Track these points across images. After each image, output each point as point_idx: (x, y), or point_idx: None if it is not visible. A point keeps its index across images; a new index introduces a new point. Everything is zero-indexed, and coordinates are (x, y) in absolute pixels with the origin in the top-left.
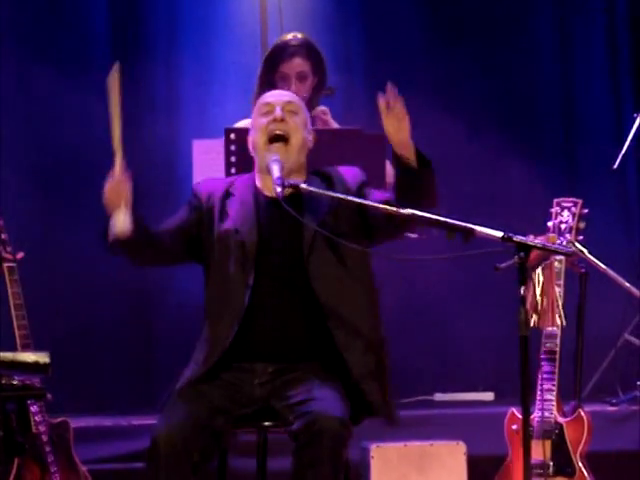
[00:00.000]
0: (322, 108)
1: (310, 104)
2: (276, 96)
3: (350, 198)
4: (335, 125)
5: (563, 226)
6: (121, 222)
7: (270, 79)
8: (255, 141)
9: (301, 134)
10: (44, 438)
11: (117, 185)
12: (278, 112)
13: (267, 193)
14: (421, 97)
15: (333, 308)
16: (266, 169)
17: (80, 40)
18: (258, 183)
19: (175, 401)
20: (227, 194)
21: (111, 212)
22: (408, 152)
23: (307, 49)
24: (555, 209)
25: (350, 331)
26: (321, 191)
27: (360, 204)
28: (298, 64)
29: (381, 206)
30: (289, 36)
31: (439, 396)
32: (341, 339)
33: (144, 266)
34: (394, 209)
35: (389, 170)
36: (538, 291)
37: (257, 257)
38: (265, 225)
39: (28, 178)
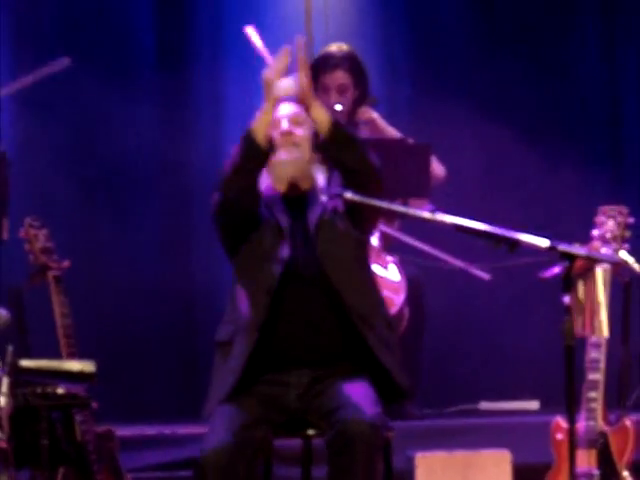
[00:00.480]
0: (368, 114)
1: (352, 116)
2: (284, 110)
3: (396, 207)
4: (386, 126)
5: (608, 235)
6: (288, 81)
7: None
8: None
9: (307, 143)
10: (89, 447)
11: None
12: (285, 126)
13: (281, 187)
14: (467, 105)
15: (355, 303)
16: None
17: (126, 50)
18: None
19: (216, 418)
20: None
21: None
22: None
23: (350, 62)
24: (600, 217)
25: (371, 326)
26: (366, 200)
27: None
28: (339, 76)
29: (421, 214)
30: (333, 47)
31: (484, 404)
32: (367, 334)
33: (242, 199)
34: (434, 217)
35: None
36: (583, 300)
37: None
38: (292, 217)
39: (74, 187)
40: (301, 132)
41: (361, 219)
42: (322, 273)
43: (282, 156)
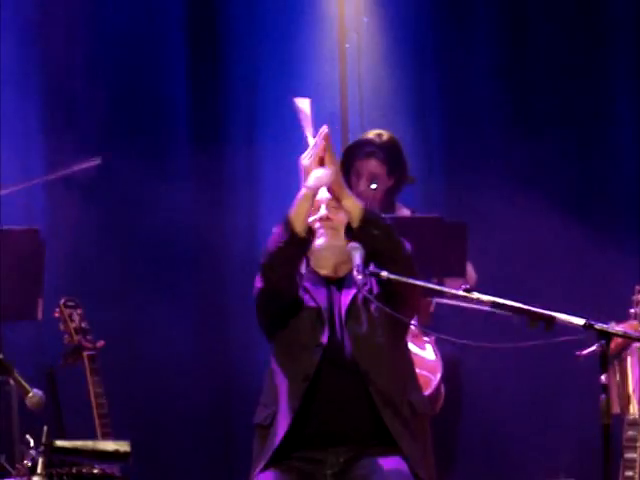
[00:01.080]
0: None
1: (388, 201)
2: (320, 194)
3: (431, 286)
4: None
5: None
6: (321, 174)
7: (344, 171)
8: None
9: (343, 225)
10: None
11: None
12: (324, 212)
13: (323, 272)
14: (505, 182)
15: (380, 388)
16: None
17: (161, 130)
18: (312, 264)
19: None
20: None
21: (308, 167)
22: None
23: (386, 152)
24: (637, 296)
25: (395, 411)
26: (403, 279)
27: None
28: (373, 166)
29: (457, 292)
30: (372, 134)
31: None
32: (389, 420)
33: (280, 285)
34: (470, 295)
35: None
36: (620, 379)
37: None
38: (331, 301)
39: (111, 267)
40: (339, 216)
41: (398, 301)
42: (351, 357)
43: (323, 242)
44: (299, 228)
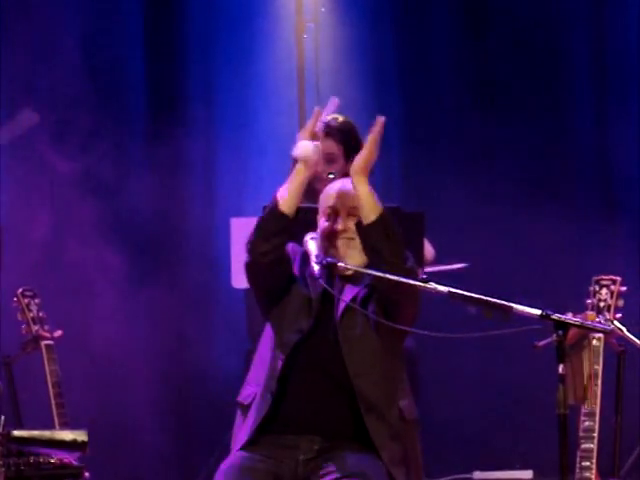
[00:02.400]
0: None
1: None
2: (341, 199)
3: (390, 277)
4: None
5: (602, 304)
6: (306, 145)
7: None
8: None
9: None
10: None
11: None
12: (342, 224)
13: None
14: (460, 172)
15: (366, 392)
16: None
17: (117, 110)
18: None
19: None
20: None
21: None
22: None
23: (343, 133)
24: (594, 287)
25: (380, 415)
26: (361, 269)
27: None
28: (329, 146)
29: (414, 282)
30: (329, 117)
31: (478, 474)
32: (372, 424)
33: (259, 257)
34: (427, 285)
35: (427, 248)
36: (576, 369)
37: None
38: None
39: (66, 255)
40: (354, 225)
41: (391, 308)
42: (339, 357)
43: (342, 252)
44: (284, 205)
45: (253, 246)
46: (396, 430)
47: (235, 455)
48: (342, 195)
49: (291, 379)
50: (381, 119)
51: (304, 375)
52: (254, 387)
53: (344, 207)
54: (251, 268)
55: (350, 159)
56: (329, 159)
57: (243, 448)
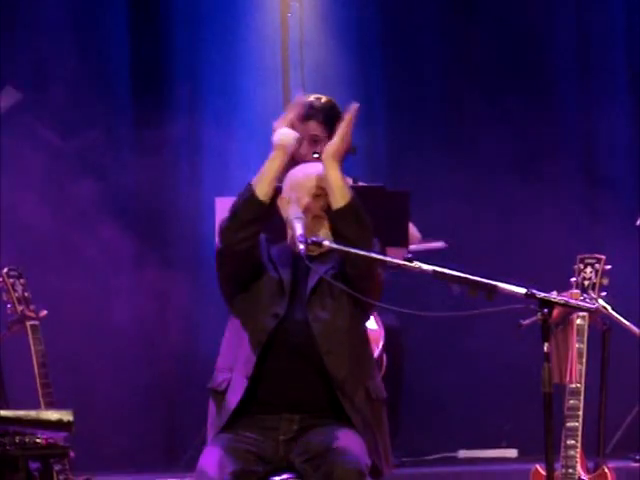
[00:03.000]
0: None
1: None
2: (306, 180)
3: (373, 255)
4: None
5: (586, 282)
6: (286, 132)
7: None
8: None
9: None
10: None
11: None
12: (307, 203)
13: (290, 244)
14: (446, 153)
15: (336, 372)
16: (288, 225)
17: (103, 91)
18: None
19: (206, 462)
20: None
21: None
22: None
23: (325, 114)
24: (578, 265)
25: (349, 393)
26: (345, 248)
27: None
28: (312, 127)
29: (400, 262)
30: (312, 97)
31: (463, 453)
32: (344, 400)
33: (238, 251)
34: (411, 265)
35: (413, 233)
36: (561, 347)
37: (290, 299)
38: (297, 276)
39: (51, 235)
40: (322, 206)
41: (357, 284)
42: (311, 337)
43: (305, 230)
44: (260, 192)
45: (228, 234)
46: (364, 410)
47: (216, 437)
48: (307, 176)
49: (267, 363)
50: (355, 106)
51: (279, 358)
52: (227, 373)
53: (309, 188)
54: (224, 255)
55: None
56: (313, 140)
57: (223, 431)
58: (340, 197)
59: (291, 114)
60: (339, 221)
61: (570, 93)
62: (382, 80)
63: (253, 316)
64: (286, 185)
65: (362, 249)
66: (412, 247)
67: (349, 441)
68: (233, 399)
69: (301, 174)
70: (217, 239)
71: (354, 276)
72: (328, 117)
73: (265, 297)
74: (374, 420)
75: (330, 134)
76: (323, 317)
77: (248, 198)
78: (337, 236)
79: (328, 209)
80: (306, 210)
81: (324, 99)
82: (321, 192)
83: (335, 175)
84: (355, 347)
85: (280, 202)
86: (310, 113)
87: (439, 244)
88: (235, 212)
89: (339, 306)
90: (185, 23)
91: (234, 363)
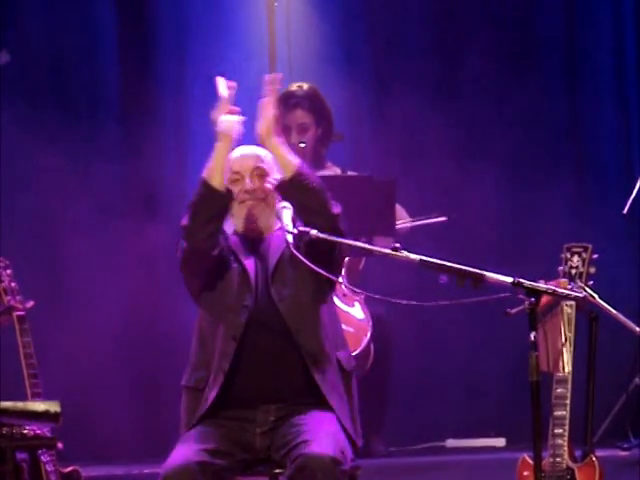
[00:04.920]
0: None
1: (319, 154)
2: (243, 161)
3: (359, 244)
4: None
5: (573, 271)
6: (226, 121)
7: None
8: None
9: (272, 194)
10: None
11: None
12: (248, 184)
13: (249, 235)
14: (432, 142)
15: (308, 347)
16: (275, 215)
17: (90, 77)
18: (234, 222)
19: (183, 441)
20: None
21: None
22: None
23: (310, 101)
24: (565, 254)
25: (323, 367)
26: (331, 238)
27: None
28: (300, 116)
29: (387, 251)
30: (294, 87)
31: (451, 442)
32: (319, 376)
33: (203, 247)
34: (398, 254)
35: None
36: (549, 336)
37: (256, 287)
38: (258, 261)
39: (37, 225)
40: (264, 185)
41: (324, 260)
42: (279, 317)
43: (250, 212)
44: (216, 183)
45: (192, 233)
46: (338, 382)
47: (190, 432)
48: (243, 158)
49: (242, 355)
50: (275, 76)
51: (254, 348)
52: (202, 371)
53: (247, 168)
54: (191, 255)
55: (320, 125)
56: (302, 129)
57: (201, 423)
58: (287, 168)
59: (225, 100)
60: (293, 192)
61: (557, 81)
62: (369, 66)
63: (223, 312)
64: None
65: (324, 213)
66: (414, 223)
67: (324, 428)
68: (210, 395)
69: (238, 154)
70: (182, 240)
71: (320, 251)
72: (312, 103)
73: (231, 290)
74: (347, 393)
75: (316, 119)
76: (287, 294)
77: (205, 192)
78: (297, 208)
79: (281, 185)
80: (247, 192)
81: (306, 86)
82: (237, 177)
83: (277, 150)
84: (321, 320)
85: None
86: (295, 102)
87: (441, 219)
88: (195, 210)
89: (302, 281)
90: (172, 13)
91: (209, 359)
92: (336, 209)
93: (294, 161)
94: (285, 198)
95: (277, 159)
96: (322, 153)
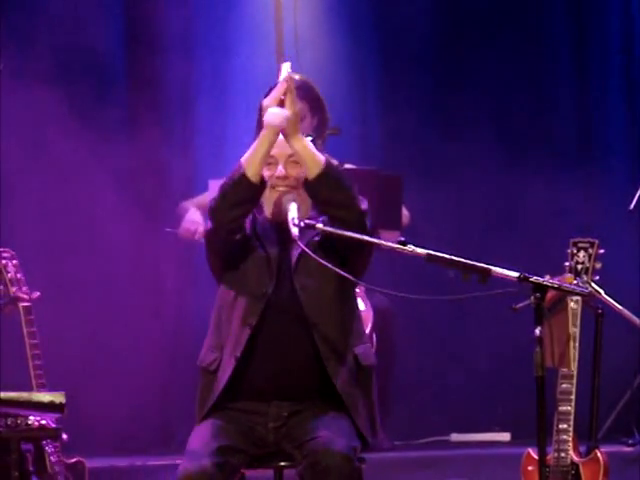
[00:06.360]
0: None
1: (315, 144)
2: (279, 148)
3: (367, 238)
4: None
5: (579, 266)
6: (277, 113)
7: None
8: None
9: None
10: (60, 478)
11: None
12: (281, 171)
13: (269, 216)
14: (439, 135)
15: (327, 339)
16: (275, 205)
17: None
18: (266, 212)
19: (194, 440)
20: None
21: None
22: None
23: (303, 90)
24: (571, 249)
25: (338, 361)
26: (339, 231)
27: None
28: None
29: (392, 245)
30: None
31: (455, 436)
32: (332, 370)
33: (231, 229)
34: (405, 248)
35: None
36: (554, 331)
37: (277, 274)
38: (282, 248)
39: (45, 216)
40: (298, 172)
41: (348, 255)
42: (300, 308)
43: (281, 199)
44: (251, 172)
45: (219, 214)
46: (355, 377)
47: (206, 418)
48: (280, 144)
49: (256, 342)
50: (289, 74)
51: (268, 338)
52: (216, 352)
53: (283, 155)
54: (214, 235)
55: (315, 114)
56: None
57: (213, 411)
58: (314, 165)
59: (280, 91)
60: (320, 189)
61: (567, 75)
62: (376, 60)
63: (241, 296)
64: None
65: (353, 209)
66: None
67: (337, 426)
68: (221, 381)
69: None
70: (208, 219)
71: (343, 247)
72: (307, 93)
73: (252, 276)
74: (363, 389)
75: (310, 108)
76: (309, 284)
77: (238, 179)
78: (322, 204)
79: (306, 182)
80: (279, 178)
81: (298, 77)
82: (272, 160)
83: (301, 146)
84: (344, 314)
85: None
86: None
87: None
88: (225, 192)
89: (325, 274)
90: (180, 5)
91: (224, 342)
92: (364, 205)
93: (321, 157)
94: (313, 195)
95: (302, 156)
96: (318, 144)
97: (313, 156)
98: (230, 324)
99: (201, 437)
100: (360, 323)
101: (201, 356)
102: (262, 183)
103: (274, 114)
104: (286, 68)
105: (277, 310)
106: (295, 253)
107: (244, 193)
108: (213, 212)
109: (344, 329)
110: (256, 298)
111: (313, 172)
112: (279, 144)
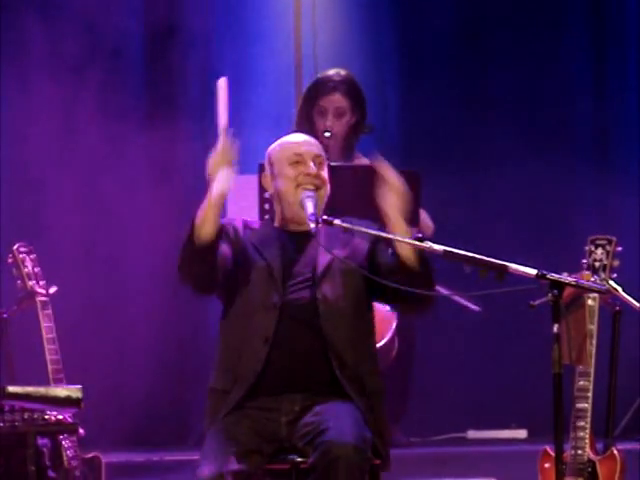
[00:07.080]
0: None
1: (349, 142)
2: (306, 147)
3: (383, 234)
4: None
5: (597, 264)
6: (225, 178)
7: (309, 112)
8: (282, 189)
9: (327, 185)
10: (76, 473)
11: (223, 149)
12: (313, 168)
13: (293, 228)
14: (455, 131)
15: (340, 354)
16: (299, 204)
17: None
18: (278, 223)
19: (209, 446)
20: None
21: (214, 173)
22: (401, 231)
23: (348, 86)
24: (589, 247)
25: (357, 378)
26: (357, 227)
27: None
28: (337, 99)
29: (410, 241)
30: (332, 71)
31: (472, 433)
32: (345, 380)
33: (200, 286)
34: (422, 244)
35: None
36: (571, 329)
37: (282, 283)
38: (288, 257)
39: (62, 210)
40: (324, 174)
41: (379, 291)
42: (316, 318)
43: (307, 197)
44: (203, 234)
45: (186, 273)
46: (369, 395)
47: (219, 421)
48: (307, 143)
49: (272, 356)
50: (381, 160)
51: (284, 348)
52: (230, 374)
53: (310, 153)
54: (196, 286)
55: (355, 112)
56: (339, 113)
57: (228, 414)
58: (410, 249)
59: (229, 148)
60: (416, 279)
61: (585, 72)
62: (395, 58)
63: (251, 311)
64: (266, 161)
65: (429, 277)
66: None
67: (347, 416)
68: (237, 395)
69: (278, 147)
70: (181, 279)
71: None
72: (350, 89)
73: (258, 289)
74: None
75: (352, 105)
76: (331, 298)
77: (191, 240)
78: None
79: (393, 253)
80: (288, 180)
81: (343, 72)
82: (299, 159)
83: (403, 232)
84: (360, 334)
85: (264, 180)
86: (333, 85)
87: (473, 307)
88: (185, 254)
89: (348, 287)
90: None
91: (235, 361)
92: (433, 266)
93: (412, 238)
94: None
95: (400, 239)
96: (353, 143)
97: (410, 240)
98: (242, 342)
99: (217, 444)
100: (374, 347)
101: (212, 378)
102: (213, 242)
103: (222, 183)
104: (222, 85)
105: (290, 318)
106: (322, 262)
107: (200, 250)
108: (180, 273)
109: (360, 346)
110: (267, 311)
111: (411, 258)
112: (305, 144)
